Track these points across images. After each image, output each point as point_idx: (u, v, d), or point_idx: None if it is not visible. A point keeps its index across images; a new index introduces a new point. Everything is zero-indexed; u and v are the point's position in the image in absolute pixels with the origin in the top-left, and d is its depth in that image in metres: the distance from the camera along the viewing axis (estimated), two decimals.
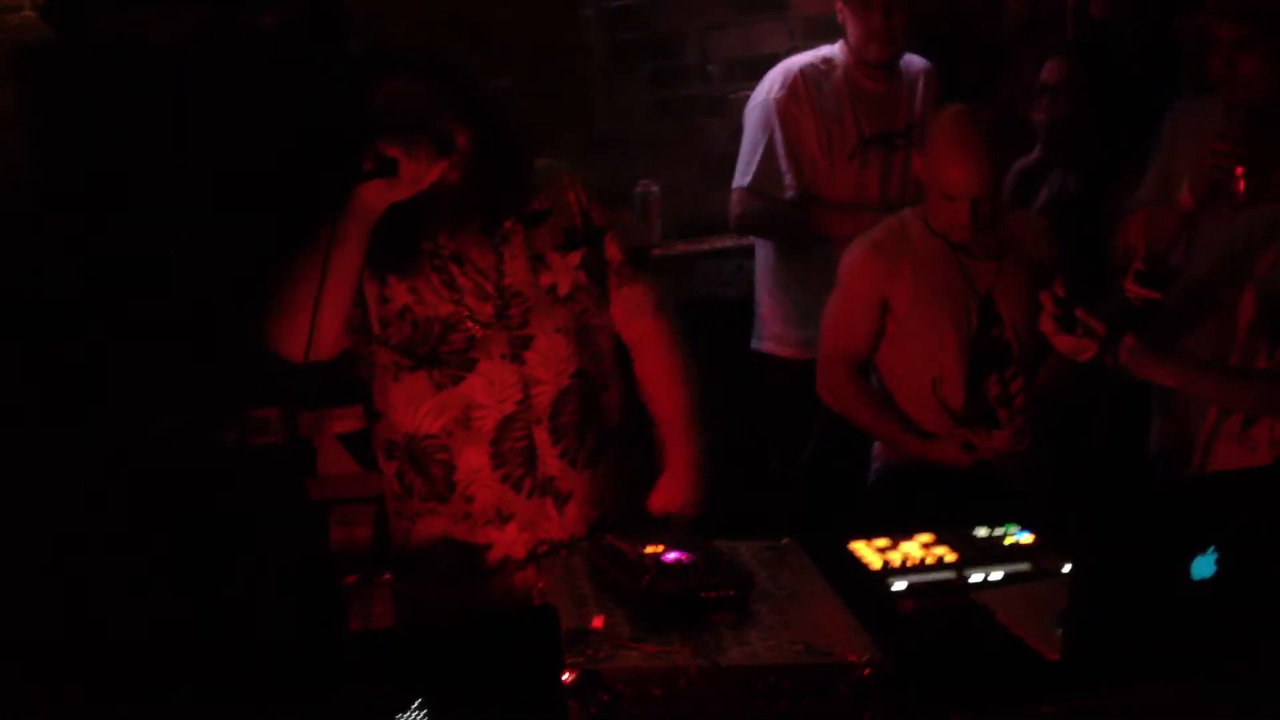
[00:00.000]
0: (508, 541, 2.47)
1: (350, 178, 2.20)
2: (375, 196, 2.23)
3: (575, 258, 2.47)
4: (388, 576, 2.50)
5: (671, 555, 2.14)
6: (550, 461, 2.46)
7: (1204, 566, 1.77)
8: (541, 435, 2.45)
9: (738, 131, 3.66)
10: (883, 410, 2.94)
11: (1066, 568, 2.15)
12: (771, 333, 3.68)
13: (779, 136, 3.52)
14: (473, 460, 2.44)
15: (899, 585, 2.17)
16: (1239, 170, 2.49)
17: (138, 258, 2.93)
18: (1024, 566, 2.21)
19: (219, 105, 2.91)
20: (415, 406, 2.44)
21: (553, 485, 2.47)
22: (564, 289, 2.46)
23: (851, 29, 3.47)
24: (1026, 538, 2.33)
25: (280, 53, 2.98)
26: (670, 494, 2.56)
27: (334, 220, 2.22)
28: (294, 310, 2.27)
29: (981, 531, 2.36)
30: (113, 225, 2.95)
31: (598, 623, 2.02)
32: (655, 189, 4.16)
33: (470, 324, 2.40)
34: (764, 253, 3.69)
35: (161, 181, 2.92)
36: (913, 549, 2.30)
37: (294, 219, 2.40)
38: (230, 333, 2.93)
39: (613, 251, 2.52)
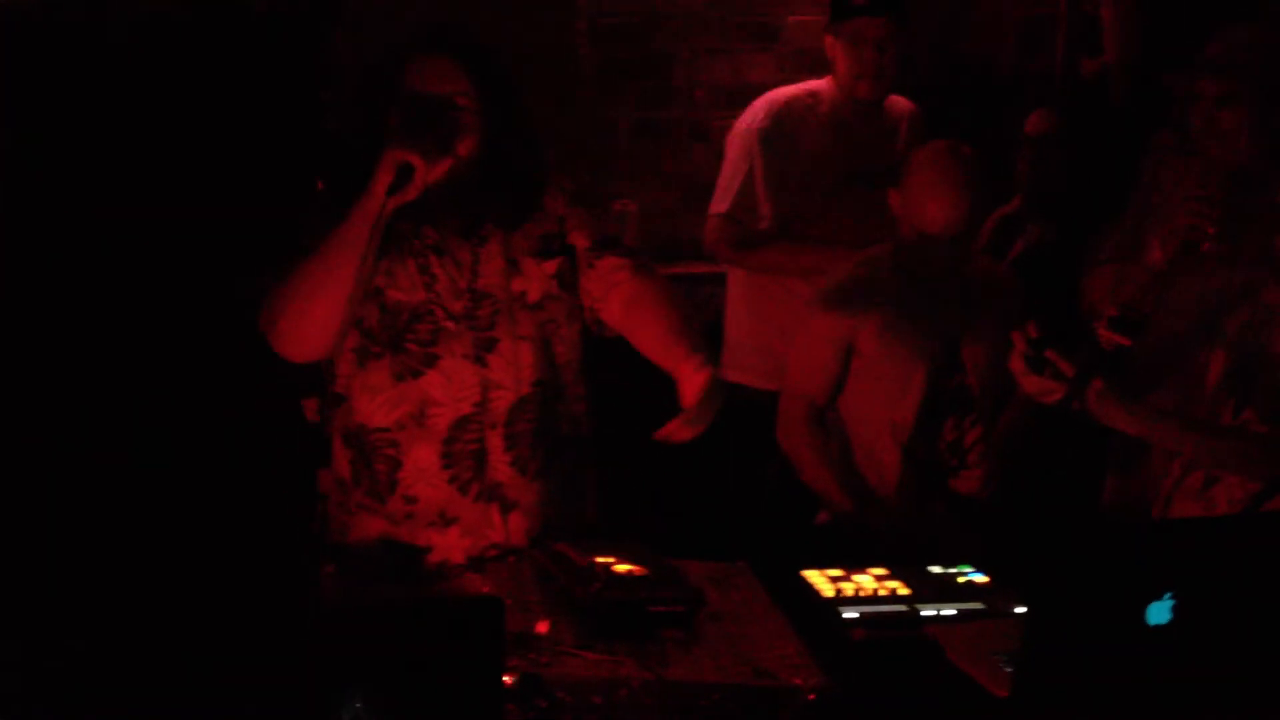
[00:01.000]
0: (448, 545, 2.43)
1: (365, 186, 2.21)
2: (393, 202, 2.23)
3: (550, 266, 2.45)
4: (330, 569, 2.46)
5: (622, 567, 2.12)
6: (500, 468, 2.42)
7: (1160, 612, 1.75)
8: (494, 440, 2.41)
9: (719, 158, 3.65)
10: (824, 463, 2.89)
11: (1020, 608, 2.13)
12: (738, 361, 3.66)
13: (760, 166, 3.51)
14: (421, 458, 2.40)
15: (850, 614, 2.14)
16: (1211, 230, 2.50)
17: (110, 238, 2.89)
18: (977, 605, 2.19)
19: (203, 86, 2.88)
20: (373, 395, 2.40)
21: (500, 491, 2.42)
22: (534, 296, 2.43)
23: (842, 64, 3.47)
24: (981, 578, 2.31)
25: (268, 38, 2.94)
26: (693, 387, 2.32)
27: (345, 226, 2.23)
28: (307, 317, 2.28)
29: (935, 569, 2.35)
30: (87, 205, 2.90)
31: (542, 628, 1.99)
32: (633, 208, 4.15)
33: (439, 314, 2.37)
34: (735, 281, 3.68)
35: (139, 163, 2.88)
36: (866, 581, 2.28)
37: (279, 208, 2.39)
38: (202, 320, 2.90)
39: (578, 239, 2.48)
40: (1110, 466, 2.74)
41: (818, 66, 3.96)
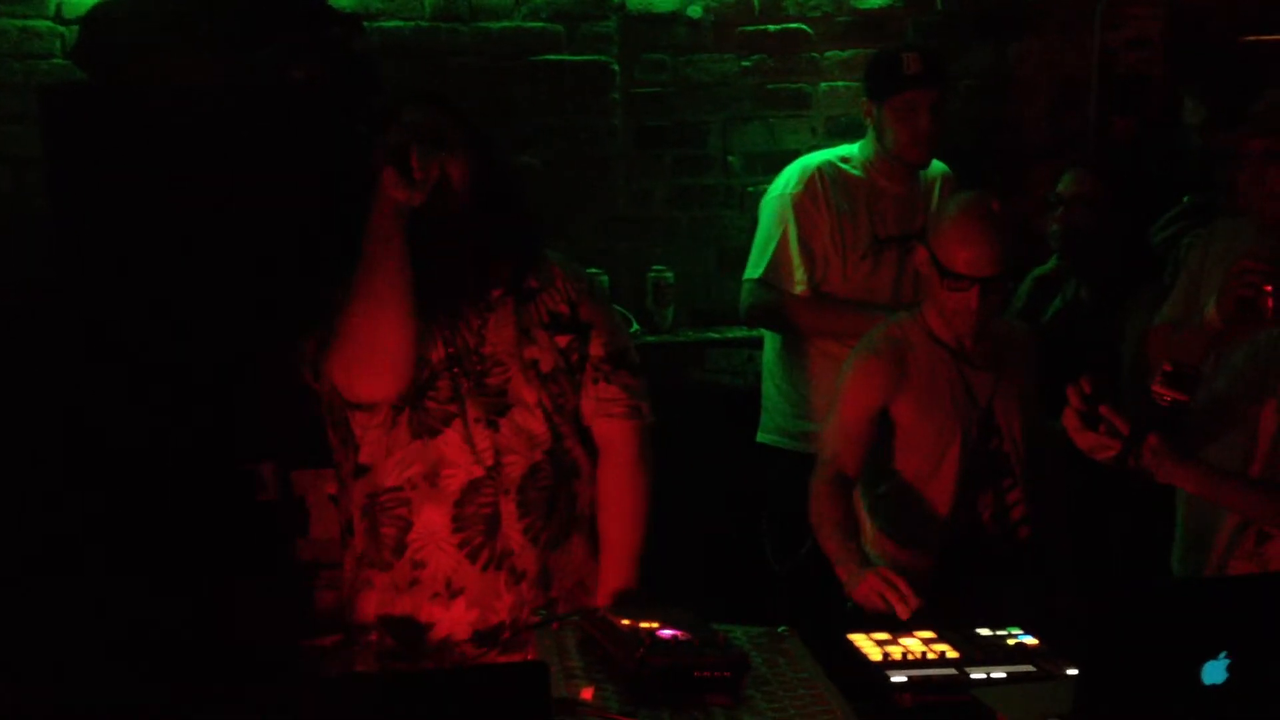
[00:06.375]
0: (452, 619, 2.41)
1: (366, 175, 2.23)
2: (396, 189, 2.21)
3: (562, 340, 2.46)
4: (374, 637, 2.45)
5: (667, 632, 2.09)
6: (512, 535, 2.41)
7: (1215, 671, 1.72)
8: (508, 506, 2.40)
9: (754, 224, 3.67)
10: (834, 529, 2.72)
11: (1071, 671, 2.09)
12: (776, 425, 3.65)
13: (793, 231, 3.52)
14: (432, 520, 2.39)
15: (898, 678, 2.11)
16: (1268, 288, 2.47)
17: (155, 301, 2.92)
18: (1027, 667, 2.15)
19: (242, 155, 2.92)
20: (389, 453, 2.39)
21: (509, 560, 2.41)
22: (546, 366, 2.43)
23: (896, 131, 3.47)
24: (1030, 639, 2.28)
25: (306, 107, 2.98)
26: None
27: (369, 233, 2.24)
28: (377, 346, 2.27)
29: (984, 631, 2.31)
30: (130, 271, 2.94)
31: (587, 694, 1.96)
32: (669, 275, 4.17)
33: (457, 373, 2.38)
34: (772, 345, 3.68)
35: (181, 228, 2.91)
36: (913, 644, 2.25)
37: (317, 268, 2.40)
38: (242, 382, 2.92)
39: (595, 347, 2.49)
40: (1179, 526, 2.67)
41: (849, 131, 4.00)
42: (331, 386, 2.36)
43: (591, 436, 2.52)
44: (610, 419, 2.51)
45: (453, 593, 2.40)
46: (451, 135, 2.31)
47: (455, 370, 2.38)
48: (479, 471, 2.38)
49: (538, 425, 2.42)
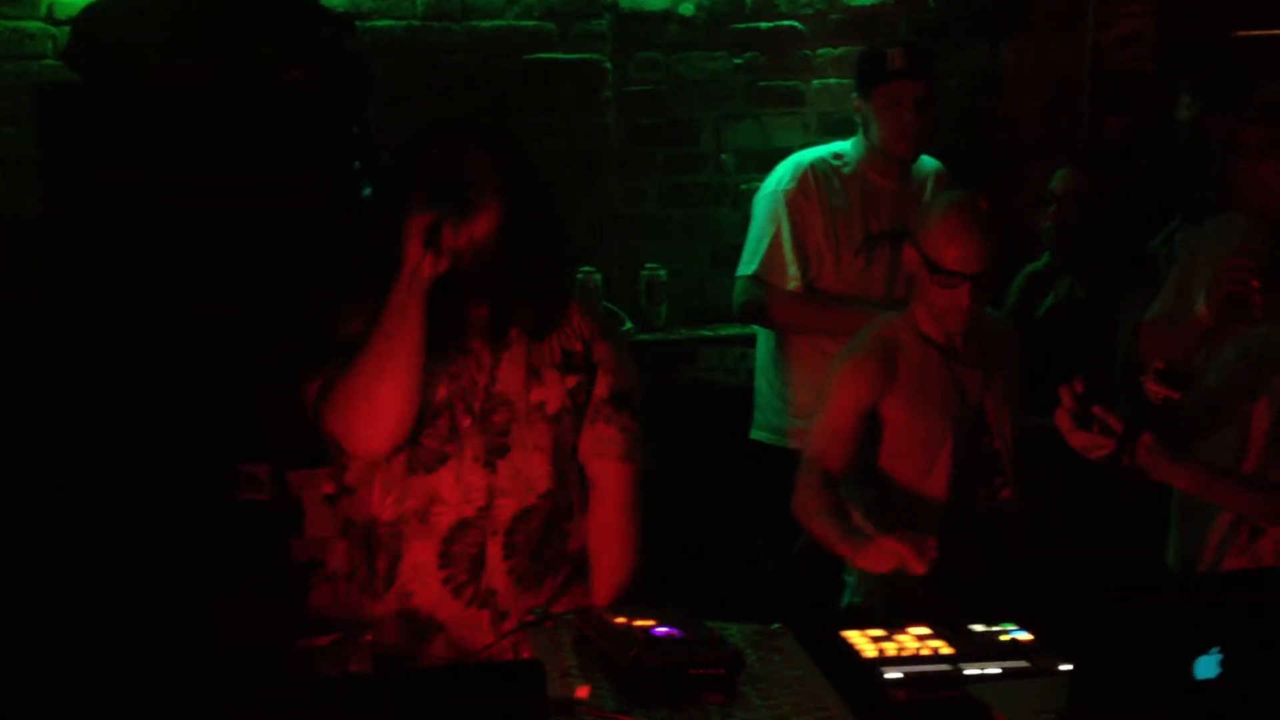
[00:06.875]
0: (434, 655, 2.39)
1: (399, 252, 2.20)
2: (429, 266, 2.21)
3: (571, 381, 2.43)
4: (370, 637, 2.46)
5: (661, 630, 2.10)
6: (497, 576, 2.38)
7: (1207, 667, 1.73)
8: (494, 548, 2.38)
9: (747, 221, 3.68)
10: (825, 516, 2.70)
11: (1065, 666, 2.10)
12: (768, 422, 3.66)
13: (786, 228, 3.53)
14: (420, 554, 2.38)
15: (893, 675, 2.11)
16: (1256, 284, 2.48)
17: (149, 302, 2.92)
18: (1022, 663, 2.16)
19: (236, 156, 2.92)
20: (387, 489, 2.38)
21: (493, 600, 2.39)
22: (553, 408, 2.41)
23: (882, 125, 3.48)
24: (1024, 636, 2.28)
25: (300, 108, 2.98)
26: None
27: (391, 309, 2.22)
28: (379, 409, 2.25)
29: (978, 627, 2.32)
30: (125, 272, 2.94)
31: (582, 693, 1.97)
32: (662, 272, 4.18)
33: (459, 411, 2.36)
34: (765, 342, 3.69)
35: (175, 229, 2.92)
36: (907, 640, 2.26)
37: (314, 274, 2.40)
38: (231, 384, 2.92)
39: (600, 388, 2.45)
40: (1173, 523, 2.68)
41: (842, 128, 4.01)
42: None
43: (585, 474, 2.49)
44: (605, 460, 2.46)
45: (434, 627, 2.39)
46: (484, 182, 2.27)
47: (457, 406, 2.36)
48: (469, 512, 2.36)
49: (535, 468, 2.39)
